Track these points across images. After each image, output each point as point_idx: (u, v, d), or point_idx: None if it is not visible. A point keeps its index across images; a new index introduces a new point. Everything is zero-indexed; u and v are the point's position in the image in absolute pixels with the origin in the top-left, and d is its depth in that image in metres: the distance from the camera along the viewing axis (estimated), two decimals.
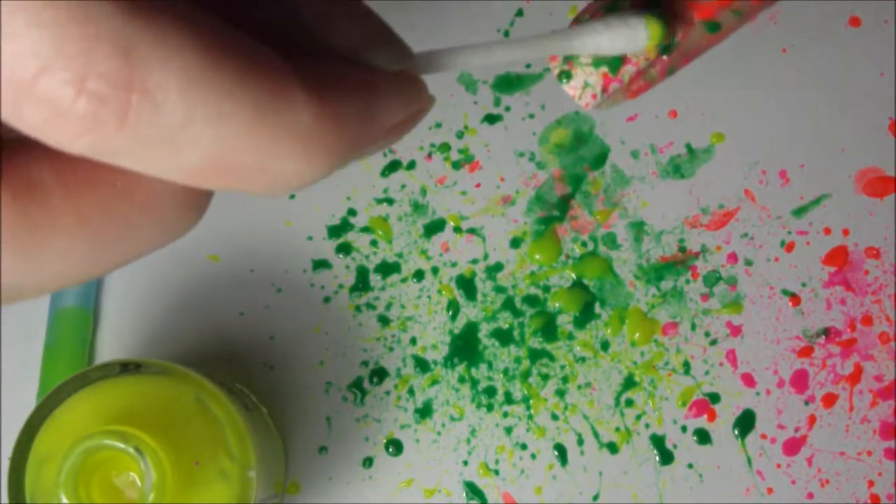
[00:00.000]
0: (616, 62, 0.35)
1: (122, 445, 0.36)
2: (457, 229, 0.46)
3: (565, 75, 0.35)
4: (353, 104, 0.24)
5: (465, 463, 0.46)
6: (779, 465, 0.45)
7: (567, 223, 0.46)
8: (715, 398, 0.46)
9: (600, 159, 0.47)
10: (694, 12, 0.35)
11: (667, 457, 0.45)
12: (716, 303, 0.46)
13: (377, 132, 0.25)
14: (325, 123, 0.22)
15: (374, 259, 0.46)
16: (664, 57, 0.36)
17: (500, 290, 0.46)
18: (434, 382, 0.46)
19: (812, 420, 0.46)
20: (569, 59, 0.35)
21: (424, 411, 0.46)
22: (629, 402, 0.46)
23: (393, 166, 0.47)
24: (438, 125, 0.47)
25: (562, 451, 0.46)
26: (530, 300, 0.46)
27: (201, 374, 0.39)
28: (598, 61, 0.35)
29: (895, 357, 0.46)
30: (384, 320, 0.46)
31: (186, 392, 0.39)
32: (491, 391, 0.46)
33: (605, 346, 0.46)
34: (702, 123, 0.47)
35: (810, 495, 0.45)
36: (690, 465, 0.45)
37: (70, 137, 0.19)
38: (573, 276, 0.46)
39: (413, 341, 0.46)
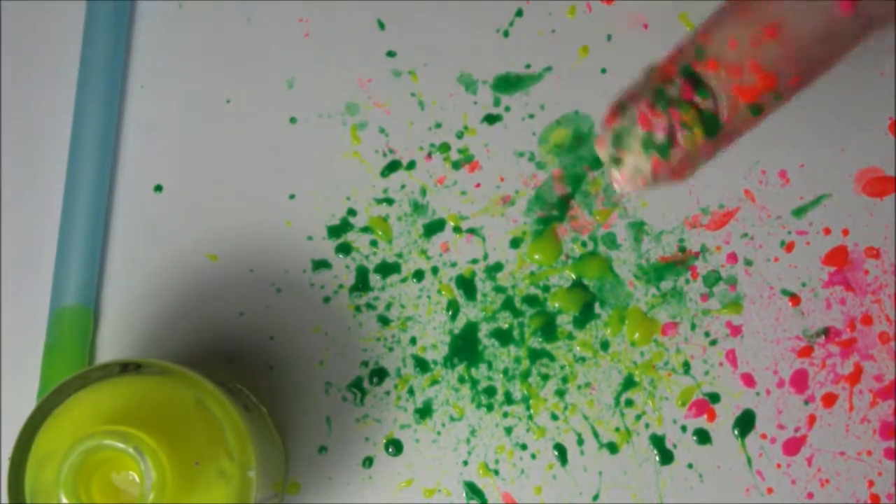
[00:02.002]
0: (666, 147, 0.36)
1: (122, 445, 0.36)
2: (456, 229, 0.46)
3: (616, 161, 0.37)
4: None
5: (465, 463, 0.46)
6: (779, 465, 0.45)
7: (567, 223, 0.46)
8: (715, 398, 0.46)
9: (600, 159, 0.47)
10: (739, 96, 0.36)
11: (667, 457, 0.45)
12: (716, 303, 0.46)
13: None
14: None
15: (374, 259, 0.46)
16: (709, 140, 0.36)
17: (499, 290, 0.46)
18: (434, 382, 0.46)
19: (812, 420, 0.46)
20: (618, 146, 0.36)
21: (424, 411, 0.46)
22: (629, 402, 0.46)
23: (393, 166, 0.47)
24: (438, 125, 0.47)
25: (562, 451, 0.46)
26: (530, 300, 0.46)
27: (201, 374, 0.39)
28: (647, 146, 0.36)
29: (895, 357, 0.46)
30: (384, 320, 0.46)
31: (186, 392, 0.39)
32: (491, 391, 0.46)
33: (604, 346, 0.46)
34: None
35: (810, 495, 0.45)
36: (690, 465, 0.45)
37: None
38: (573, 276, 0.46)
39: (413, 341, 0.46)
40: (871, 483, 0.45)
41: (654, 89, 0.37)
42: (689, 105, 0.37)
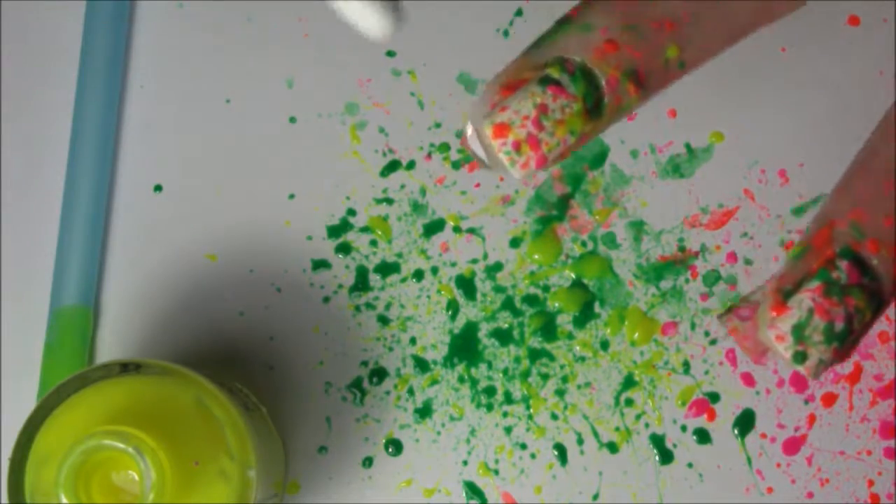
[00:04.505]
0: (845, 335, 0.36)
1: (122, 445, 0.36)
2: (456, 229, 0.46)
3: (800, 356, 0.36)
4: None
5: (465, 463, 0.46)
6: (779, 465, 0.45)
7: (567, 223, 0.47)
8: (715, 397, 0.46)
9: (600, 159, 0.47)
10: None
11: (667, 456, 0.45)
12: (715, 302, 0.46)
13: None
14: None
15: (374, 259, 0.46)
16: (874, 318, 0.36)
17: (499, 289, 0.46)
18: (434, 382, 0.46)
19: (812, 419, 0.46)
20: (801, 340, 0.35)
21: (424, 411, 0.46)
22: (629, 402, 0.46)
23: (392, 166, 0.47)
24: (438, 125, 0.47)
25: (562, 451, 0.46)
26: (530, 300, 0.46)
27: (201, 374, 0.39)
28: (829, 338, 0.35)
29: (895, 356, 0.46)
30: (384, 320, 0.46)
31: (186, 392, 0.39)
32: (491, 391, 0.46)
33: (604, 345, 0.46)
34: (701, 123, 0.47)
35: (810, 494, 0.45)
36: (690, 465, 0.45)
37: None
38: (573, 275, 0.46)
39: (413, 341, 0.46)
40: (871, 483, 0.45)
41: (821, 276, 0.36)
42: (860, 290, 0.36)
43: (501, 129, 0.35)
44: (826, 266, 0.36)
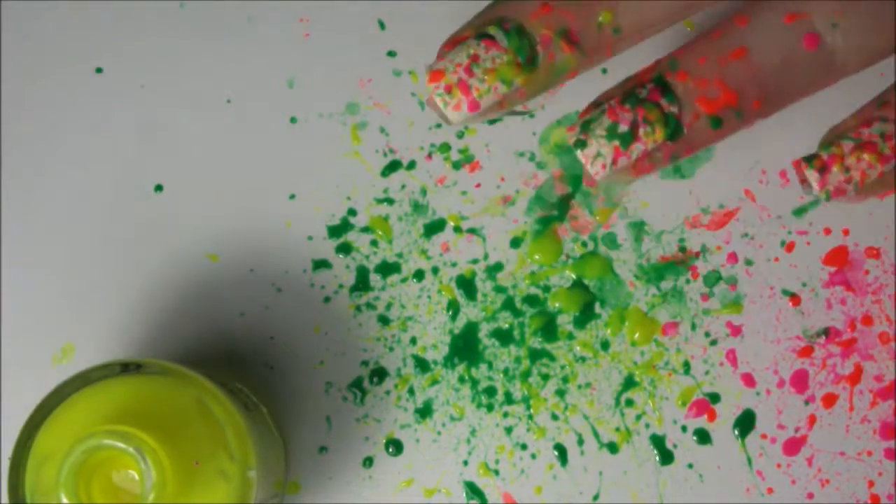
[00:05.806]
0: (627, 138, 0.39)
1: (122, 445, 0.36)
2: (457, 229, 0.46)
3: (581, 144, 0.40)
4: None
5: (465, 463, 0.46)
6: (779, 465, 0.45)
7: (567, 223, 0.46)
8: (715, 398, 0.46)
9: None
10: (701, 106, 0.39)
11: (667, 457, 0.45)
12: (716, 303, 0.46)
13: None
14: None
15: (375, 259, 0.46)
16: (669, 143, 0.40)
17: (500, 290, 0.46)
18: (434, 382, 0.46)
19: (812, 420, 0.46)
20: (585, 130, 0.39)
21: (424, 411, 0.46)
22: (629, 402, 0.46)
23: (393, 166, 0.47)
24: (439, 125, 0.47)
25: (562, 451, 0.46)
26: (530, 300, 0.46)
27: (201, 374, 0.39)
28: (611, 135, 0.39)
29: (895, 357, 0.46)
30: (384, 320, 0.46)
31: (186, 392, 0.39)
32: (491, 391, 0.46)
33: (605, 345, 0.46)
34: None
35: (810, 495, 0.45)
36: (690, 465, 0.45)
37: None
38: (573, 275, 0.46)
39: (413, 341, 0.46)
40: (871, 483, 0.45)
41: (626, 90, 0.40)
42: (654, 105, 0.39)
43: (436, 76, 0.39)
44: (636, 86, 0.40)
